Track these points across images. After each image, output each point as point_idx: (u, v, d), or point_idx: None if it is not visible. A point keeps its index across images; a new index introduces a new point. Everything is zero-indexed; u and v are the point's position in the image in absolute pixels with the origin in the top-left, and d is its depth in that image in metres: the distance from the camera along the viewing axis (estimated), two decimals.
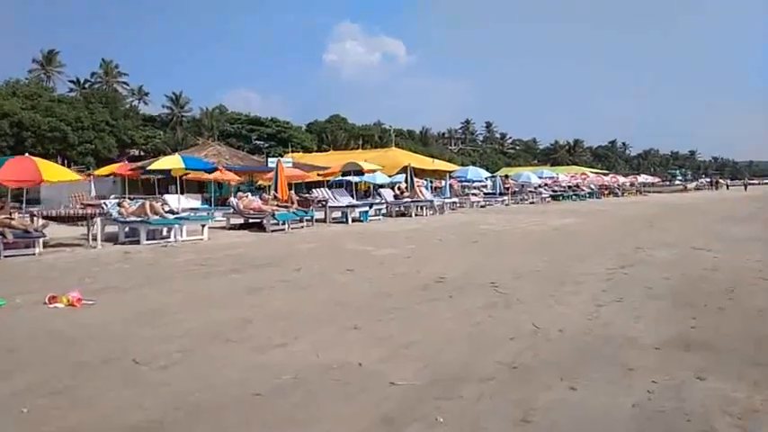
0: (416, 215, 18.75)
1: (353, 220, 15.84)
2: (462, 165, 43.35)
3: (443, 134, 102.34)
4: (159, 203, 11.19)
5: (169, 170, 13.30)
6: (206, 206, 16.57)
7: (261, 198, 14.07)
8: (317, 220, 15.55)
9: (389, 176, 26.47)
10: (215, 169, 14.36)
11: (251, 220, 13.39)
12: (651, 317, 5.17)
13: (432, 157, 44.17)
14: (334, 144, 64.87)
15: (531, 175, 33.63)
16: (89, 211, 9.93)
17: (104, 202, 10.94)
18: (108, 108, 56.55)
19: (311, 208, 14.28)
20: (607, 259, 8.62)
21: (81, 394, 3.25)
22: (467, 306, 5.52)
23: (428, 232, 13.15)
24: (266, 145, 64.57)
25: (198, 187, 24.55)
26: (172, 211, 11.06)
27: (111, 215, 10.32)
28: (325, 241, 11.24)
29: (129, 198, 12.90)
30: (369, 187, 26.35)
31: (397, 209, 18.96)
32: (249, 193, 14.18)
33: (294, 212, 13.41)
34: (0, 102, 48.28)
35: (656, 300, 5.85)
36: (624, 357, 4.03)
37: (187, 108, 68.56)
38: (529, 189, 32.09)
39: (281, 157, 37.01)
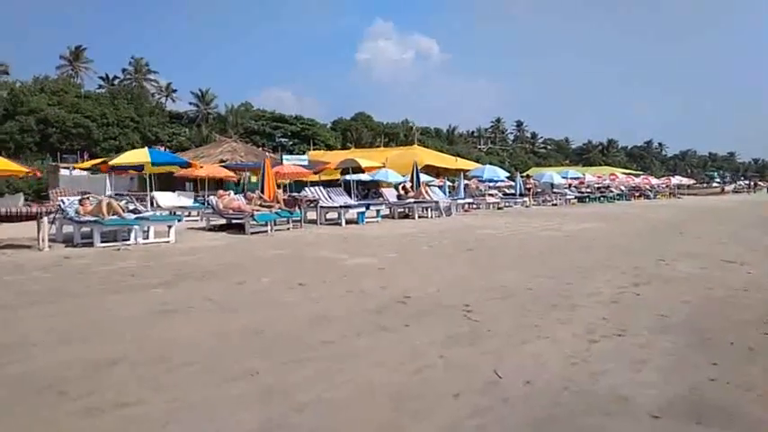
0: (420, 217, 17.47)
1: (349, 222, 14.67)
2: (490, 164, 41.81)
3: (472, 133, 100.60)
4: (124, 201, 10.25)
5: (141, 165, 12.38)
6: (197, 205, 15.65)
7: (246, 197, 13.05)
8: (311, 221, 14.46)
9: (403, 175, 25.28)
10: (188, 164, 13.38)
11: (234, 221, 12.36)
12: (657, 361, 3.91)
13: (457, 155, 42.81)
14: (358, 142, 63.95)
15: (553, 175, 31.94)
16: (34, 209, 9.02)
17: (62, 200, 10.03)
18: (133, 104, 56.71)
19: (296, 208, 13.12)
20: (619, 274, 7.29)
21: None
22: (420, 340, 4.32)
23: (422, 237, 11.87)
24: (290, 142, 64.09)
25: (216, 185, 23.76)
26: (136, 210, 10.07)
27: (67, 214, 9.40)
28: (298, 246, 10.07)
29: (111, 195, 11.94)
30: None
31: (400, 210, 17.71)
32: (231, 192, 13.18)
33: (277, 213, 12.31)
34: (27, 98, 48.71)
35: (669, 334, 4.56)
36: None
37: (213, 105, 68.60)
38: (554, 190, 30.52)
39: (304, 153, 36.30)
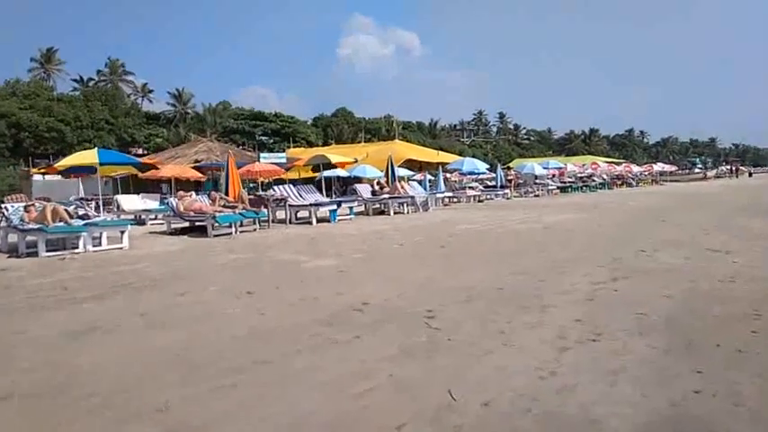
0: (396, 213, 16.87)
1: (321, 220, 14.08)
2: (474, 157, 41.32)
3: (455, 126, 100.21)
4: (72, 207, 9.62)
5: (92, 166, 11.71)
6: (162, 207, 14.99)
7: (209, 197, 12.43)
8: (281, 221, 13.89)
9: (382, 170, 24.79)
10: (142, 164, 12.66)
11: (197, 224, 11.72)
12: (634, 370, 3.45)
13: (440, 149, 42.29)
14: (339, 138, 63.30)
15: (534, 165, 31.60)
16: None
17: (5, 207, 9.37)
18: (108, 106, 55.48)
19: (262, 208, 12.48)
20: (597, 268, 6.84)
21: None
22: (370, 355, 3.82)
23: (394, 234, 11.32)
24: (271, 140, 63.20)
25: (195, 186, 22.96)
26: (86, 216, 9.43)
27: (11, 222, 8.76)
28: (260, 249, 9.47)
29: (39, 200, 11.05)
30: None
31: (375, 206, 17.16)
32: (193, 192, 12.54)
33: (241, 214, 11.70)
34: None
35: (648, 336, 4.11)
36: None
37: (191, 104, 67.42)
38: (536, 181, 30.18)
39: (284, 151, 35.55)
